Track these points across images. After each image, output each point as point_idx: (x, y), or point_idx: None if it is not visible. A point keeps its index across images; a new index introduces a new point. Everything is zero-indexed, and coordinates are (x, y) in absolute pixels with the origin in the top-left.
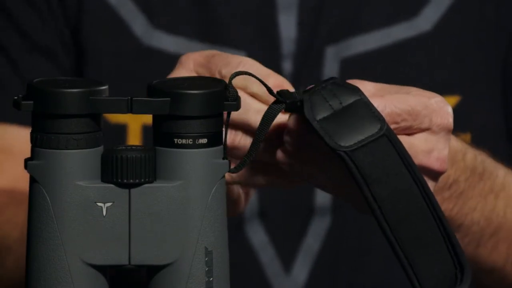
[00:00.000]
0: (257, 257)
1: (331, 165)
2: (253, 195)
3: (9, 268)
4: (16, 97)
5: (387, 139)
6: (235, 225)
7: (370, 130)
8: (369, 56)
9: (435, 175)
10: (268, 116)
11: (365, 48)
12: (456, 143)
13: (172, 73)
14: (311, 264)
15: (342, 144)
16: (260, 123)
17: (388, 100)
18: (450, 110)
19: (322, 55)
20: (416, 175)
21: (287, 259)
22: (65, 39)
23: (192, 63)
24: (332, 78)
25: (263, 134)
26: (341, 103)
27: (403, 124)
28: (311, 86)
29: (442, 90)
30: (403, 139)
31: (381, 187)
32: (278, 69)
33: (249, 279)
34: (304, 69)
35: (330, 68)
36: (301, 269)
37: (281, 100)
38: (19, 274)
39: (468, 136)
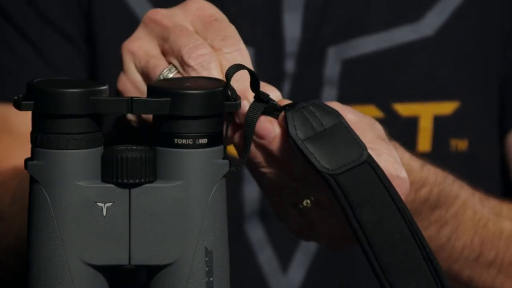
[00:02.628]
0: (254, 255)
1: (311, 185)
2: (255, 193)
3: (1, 233)
4: (16, 97)
5: (369, 166)
6: (235, 223)
7: (352, 155)
8: (371, 57)
9: None
10: (252, 114)
11: (367, 50)
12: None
13: (175, 7)
14: (308, 264)
15: (327, 166)
16: (245, 122)
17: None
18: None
19: (324, 55)
20: (398, 201)
21: (284, 259)
22: (81, 27)
23: (194, 13)
24: (312, 99)
25: (252, 131)
26: (322, 124)
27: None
28: (290, 102)
29: (441, 95)
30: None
31: (365, 211)
32: (281, 68)
33: (246, 277)
34: (306, 68)
35: (332, 69)
36: (298, 268)
37: (263, 99)
38: (13, 238)
39: (465, 143)
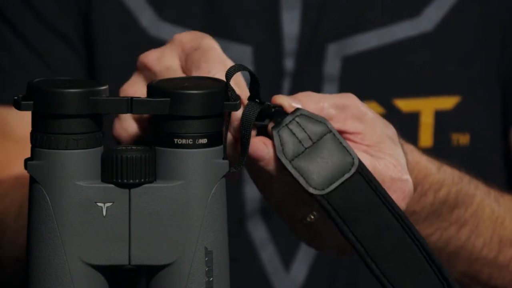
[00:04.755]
0: (257, 254)
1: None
2: (257, 192)
3: (6, 244)
4: (16, 97)
5: (361, 176)
6: (237, 221)
7: (343, 168)
8: (371, 54)
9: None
10: (248, 115)
11: (366, 46)
12: (434, 177)
13: (164, 46)
14: (310, 262)
15: (317, 186)
16: (241, 123)
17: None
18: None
19: (323, 52)
20: (394, 208)
21: (287, 257)
22: (79, 29)
23: (181, 47)
24: (298, 109)
25: (249, 132)
26: (310, 138)
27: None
28: (275, 121)
29: (442, 90)
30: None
31: (361, 225)
32: (280, 66)
33: (249, 275)
34: (306, 66)
35: (331, 66)
36: (301, 267)
37: (259, 101)
38: (17, 250)
39: (467, 137)
